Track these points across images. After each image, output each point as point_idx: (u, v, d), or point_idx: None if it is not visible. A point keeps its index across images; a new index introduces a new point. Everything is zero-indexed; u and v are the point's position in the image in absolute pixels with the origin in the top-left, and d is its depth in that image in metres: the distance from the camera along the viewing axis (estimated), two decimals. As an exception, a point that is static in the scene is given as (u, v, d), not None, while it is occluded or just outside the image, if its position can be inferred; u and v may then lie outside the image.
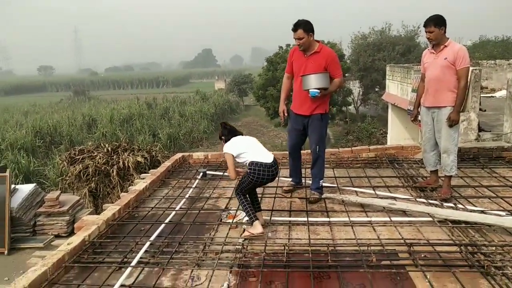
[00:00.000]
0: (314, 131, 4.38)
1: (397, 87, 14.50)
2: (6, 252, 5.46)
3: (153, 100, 35.43)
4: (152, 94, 42.96)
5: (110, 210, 4.12)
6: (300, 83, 4.28)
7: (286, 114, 4.55)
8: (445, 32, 4.11)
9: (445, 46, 4.11)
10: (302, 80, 4.20)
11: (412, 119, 4.73)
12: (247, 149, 3.59)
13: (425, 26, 4.13)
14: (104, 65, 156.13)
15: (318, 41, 4.26)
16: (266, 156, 3.57)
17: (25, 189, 6.18)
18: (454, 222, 3.60)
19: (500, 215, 3.69)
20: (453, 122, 4.10)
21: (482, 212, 3.79)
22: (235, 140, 3.65)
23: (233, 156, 3.58)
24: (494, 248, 3.12)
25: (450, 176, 4.32)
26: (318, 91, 4.11)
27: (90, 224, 3.74)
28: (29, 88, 78.86)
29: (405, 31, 28.10)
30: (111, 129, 23.89)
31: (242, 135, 3.77)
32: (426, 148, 4.53)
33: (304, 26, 4.08)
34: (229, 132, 3.72)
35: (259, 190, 4.11)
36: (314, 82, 4.12)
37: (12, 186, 5.94)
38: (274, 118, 22.59)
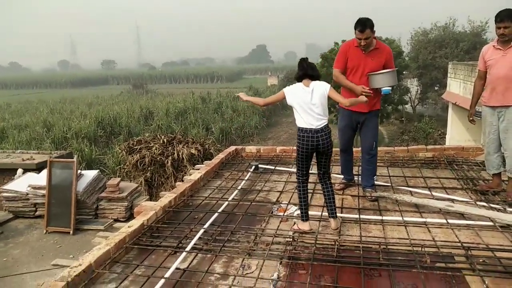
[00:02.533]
0: (372, 127, 4.38)
1: (460, 86, 13.80)
2: (71, 232, 5.90)
3: (207, 95, 36.23)
4: (206, 89, 43.94)
5: (167, 197, 4.32)
6: (360, 80, 4.19)
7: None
8: None
9: None
10: (371, 78, 4.12)
11: (470, 118, 4.51)
12: (297, 107, 3.39)
13: (500, 21, 3.87)
14: (162, 60, 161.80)
15: (374, 37, 4.19)
16: (311, 121, 3.34)
17: (89, 174, 6.61)
18: (518, 228, 3.41)
19: None
20: None
21: (550, 219, 3.54)
22: (295, 90, 3.43)
23: (283, 96, 3.47)
24: (562, 257, 2.92)
25: (516, 179, 4.08)
26: (391, 88, 4.13)
27: (149, 209, 3.95)
28: (93, 81, 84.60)
29: (471, 27, 26.53)
30: (167, 121, 24.78)
31: (313, 78, 3.44)
32: (489, 150, 4.30)
33: (371, 25, 4.00)
34: (300, 69, 3.47)
35: (311, 185, 4.14)
36: (389, 80, 4.11)
37: (78, 171, 6.38)
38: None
